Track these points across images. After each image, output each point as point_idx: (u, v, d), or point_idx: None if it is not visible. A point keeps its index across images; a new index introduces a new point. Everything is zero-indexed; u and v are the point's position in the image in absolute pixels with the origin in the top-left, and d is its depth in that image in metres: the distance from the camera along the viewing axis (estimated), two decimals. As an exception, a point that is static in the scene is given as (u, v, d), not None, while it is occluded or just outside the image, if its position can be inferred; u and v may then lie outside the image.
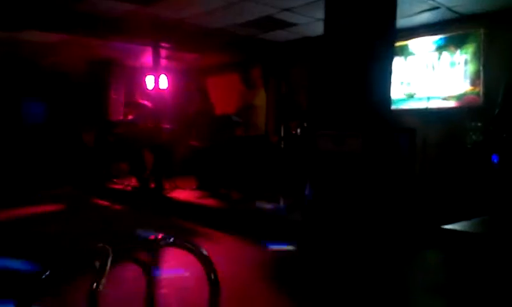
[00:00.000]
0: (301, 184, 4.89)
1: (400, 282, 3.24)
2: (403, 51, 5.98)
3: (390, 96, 4.05)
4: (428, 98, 5.57)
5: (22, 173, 7.53)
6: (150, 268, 1.54)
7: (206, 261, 1.53)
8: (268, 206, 5.14)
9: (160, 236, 1.54)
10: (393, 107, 4.74)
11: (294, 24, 6.09)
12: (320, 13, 4.35)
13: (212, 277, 1.54)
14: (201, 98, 6.57)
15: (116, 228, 4.76)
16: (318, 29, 5.22)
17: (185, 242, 1.55)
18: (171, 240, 1.52)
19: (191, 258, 1.60)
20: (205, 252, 1.52)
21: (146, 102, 6.92)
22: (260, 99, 6.05)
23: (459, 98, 5.47)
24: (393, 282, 3.20)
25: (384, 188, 3.75)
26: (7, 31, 6.01)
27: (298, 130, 5.77)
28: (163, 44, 6.67)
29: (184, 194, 6.20)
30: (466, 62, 5.43)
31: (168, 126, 6.94)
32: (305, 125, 5.64)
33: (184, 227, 4.93)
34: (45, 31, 5.89)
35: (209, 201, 5.55)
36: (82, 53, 7.60)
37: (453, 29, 5.51)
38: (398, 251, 3.71)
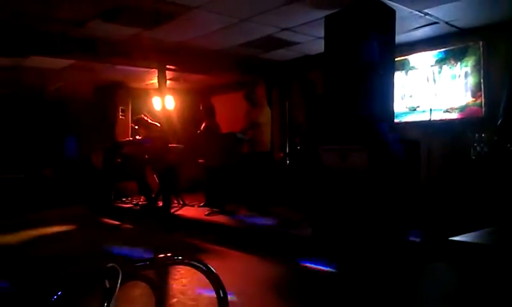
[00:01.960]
0: (307, 200, 4.87)
1: (410, 296, 3.18)
2: (404, 66, 6.00)
3: (392, 110, 4.05)
4: (431, 111, 5.56)
5: (31, 193, 7.59)
6: (159, 287, 1.53)
7: (214, 279, 1.51)
8: (276, 222, 5.11)
9: (168, 254, 1.53)
10: (396, 120, 4.73)
11: (295, 43, 6.14)
12: (320, 32, 4.39)
13: (221, 294, 1.52)
14: (208, 117, 6.61)
15: (125, 246, 4.73)
16: (318, 47, 5.26)
17: (194, 259, 1.54)
18: (180, 258, 1.51)
19: (199, 276, 1.58)
20: (213, 270, 1.51)
21: (153, 121, 6.96)
22: (265, 116, 6.07)
23: (461, 109, 5.45)
24: (403, 296, 3.15)
25: (390, 201, 3.72)
26: (11, 56, 6.11)
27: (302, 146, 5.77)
28: (168, 66, 6.74)
29: (191, 211, 6.19)
30: (466, 75, 5.43)
31: (176, 145, 6.97)
32: (297, 140, 5.63)
33: (192, 244, 4.90)
34: (49, 55, 5.95)
35: (217, 218, 5.53)
36: (89, 78, 7.69)
37: (452, 43, 5.53)
38: (406, 264, 3.65)
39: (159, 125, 6.82)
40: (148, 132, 6.75)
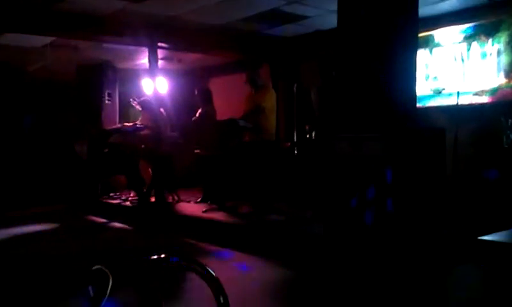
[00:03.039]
0: (318, 194, 4.87)
1: (433, 301, 3.19)
2: (428, 42, 5.95)
3: (415, 93, 4.02)
4: (458, 94, 5.52)
5: (9, 189, 7.61)
6: (152, 292, 1.53)
7: (214, 283, 1.52)
8: (282, 219, 5.12)
9: (162, 255, 1.53)
10: (418, 104, 4.70)
11: (304, 17, 6.09)
12: (333, 4, 4.35)
13: (222, 300, 1.52)
14: (204, 102, 6.60)
15: (113, 247, 4.77)
16: (331, 21, 5.22)
17: (191, 261, 1.54)
18: (175, 260, 1.51)
19: (197, 280, 1.59)
20: (212, 273, 1.51)
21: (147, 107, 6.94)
22: (270, 101, 6.05)
23: (492, 92, 5.41)
24: (425, 301, 3.16)
25: (410, 197, 3.71)
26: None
27: (313, 134, 5.75)
28: (160, 44, 6.71)
29: (188, 207, 6.21)
30: (499, 53, 5.38)
31: (169, 133, 6.97)
32: (307, 128, 5.64)
33: (188, 244, 4.93)
34: (28, 33, 5.95)
35: (216, 215, 5.55)
36: (71, 57, 7.67)
37: (483, 16, 5.47)
38: (431, 266, 3.66)
39: (163, 111, 6.82)
40: (149, 118, 6.74)
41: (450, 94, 5.75)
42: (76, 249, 4.72)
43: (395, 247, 3.62)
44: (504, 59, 5.34)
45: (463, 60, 5.66)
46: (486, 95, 5.47)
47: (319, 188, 4.79)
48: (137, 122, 7.12)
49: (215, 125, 6.32)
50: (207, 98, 6.65)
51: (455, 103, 5.55)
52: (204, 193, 6.48)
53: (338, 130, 4.07)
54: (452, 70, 5.76)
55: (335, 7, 4.17)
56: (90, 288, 1.35)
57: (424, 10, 5.09)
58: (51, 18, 5.74)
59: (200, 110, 6.60)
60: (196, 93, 6.81)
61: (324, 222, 4.29)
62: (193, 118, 6.61)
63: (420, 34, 4.69)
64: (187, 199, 6.64)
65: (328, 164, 4.17)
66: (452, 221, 4.38)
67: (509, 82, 5.30)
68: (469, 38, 5.62)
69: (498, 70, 5.38)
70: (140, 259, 1.57)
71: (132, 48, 7.17)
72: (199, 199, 6.45)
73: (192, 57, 8.15)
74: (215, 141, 6.15)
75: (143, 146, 6.76)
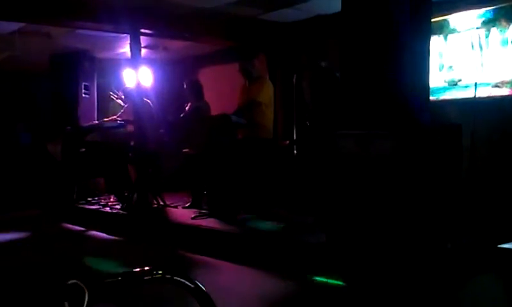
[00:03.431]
0: (321, 198, 4.87)
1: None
2: (442, 28, 5.96)
3: (427, 85, 4.03)
4: (476, 86, 5.54)
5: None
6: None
7: (204, 299, 1.52)
8: (281, 226, 5.12)
9: (146, 268, 1.53)
10: (432, 97, 4.71)
11: (304, 0, 6.09)
12: (337, -15, 4.35)
13: (213, 318, 1.52)
14: (194, 96, 6.59)
15: (91, 258, 4.75)
16: (334, 4, 5.21)
17: (178, 274, 1.54)
18: (160, 273, 1.51)
19: (186, 296, 1.59)
20: (202, 288, 1.51)
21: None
22: (266, 94, 6.05)
23: (514, 84, 5.43)
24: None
25: (424, 199, 3.72)
26: None
27: (314, 131, 5.75)
28: (143, 30, 6.69)
29: (175, 213, 6.20)
30: (521, 40, 5.40)
31: (154, 130, 6.95)
32: (308, 123, 5.65)
33: (175, 255, 4.91)
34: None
35: (207, 222, 5.54)
36: (43, 45, 7.63)
37: (504, -1, 5.48)
38: (445, 276, 3.67)
39: (150, 102, 6.81)
40: (132, 112, 6.71)
41: (466, 86, 5.76)
42: (49, 261, 4.70)
43: (407, 256, 3.64)
44: (526, 46, 5.36)
45: (481, 48, 5.67)
46: (506, 87, 5.48)
47: (322, 192, 4.80)
48: (118, 118, 7.10)
49: (204, 121, 6.31)
50: (197, 92, 6.63)
51: (472, 96, 5.57)
52: (193, 197, 6.47)
53: (342, 126, 4.07)
54: (469, 58, 5.77)
55: (338, -11, 4.18)
56: (66, 304, 1.35)
57: (438, -8, 5.10)
58: (19, 0, 5.71)
59: (189, 106, 6.59)
60: (184, 86, 6.79)
61: (326, 229, 4.30)
62: (182, 114, 6.60)
63: (434, 19, 4.70)
64: (174, 204, 6.62)
65: (331, 164, 4.18)
66: (469, 227, 4.39)
67: (532, 72, 5.32)
68: (488, 23, 5.63)
69: (520, 59, 5.40)
70: (121, 273, 1.56)
71: (111, 35, 7.14)
72: (187, 204, 6.44)
73: (179, 45, 8.13)
74: (205, 139, 6.14)
75: (132, 143, 6.73)
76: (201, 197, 6.37)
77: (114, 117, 7.11)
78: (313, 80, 5.26)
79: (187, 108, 6.59)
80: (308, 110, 5.48)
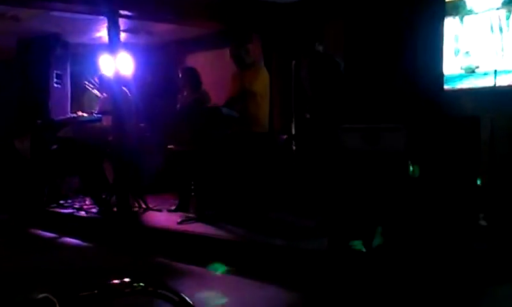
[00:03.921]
0: (323, 199, 4.88)
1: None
2: (458, 9, 5.96)
3: (441, 72, 4.05)
4: (495, 73, 5.55)
5: None
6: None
7: (191, 313, 1.52)
8: (279, 231, 5.12)
9: (126, 279, 1.53)
10: (446, 86, 4.72)
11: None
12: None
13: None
14: (191, 86, 6.58)
15: (64, 270, 4.73)
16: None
17: (161, 287, 1.53)
18: (141, 285, 1.51)
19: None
20: (189, 301, 1.51)
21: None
22: (261, 83, 6.05)
23: (538, 71, 5.44)
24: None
25: (439, 201, 3.74)
26: None
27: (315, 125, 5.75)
28: (122, 11, 6.67)
29: (159, 218, 6.19)
30: (546, 21, 5.41)
31: (135, 124, 6.94)
32: (308, 116, 5.67)
33: (159, 265, 4.90)
34: None
35: (195, 228, 5.54)
36: (10, 29, 7.59)
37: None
38: (460, 286, 3.69)
39: (128, 92, 6.80)
40: (110, 103, 6.69)
41: (485, 74, 5.77)
42: (17, 272, 4.67)
43: (419, 263, 3.65)
44: (552, 29, 5.38)
45: (501, 31, 5.68)
46: (530, 75, 5.50)
47: (324, 192, 4.80)
48: (94, 111, 7.08)
49: (191, 114, 6.30)
50: (194, 81, 6.66)
51: (491, 84, 5.58)
52: (180, 200, 6.46)
53: (346, 119, 4.08)
54: (487, 43, 5.79)
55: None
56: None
57: (453, -32, 5.10)
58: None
59: (185, 94, 6.59)
60: (180, 75, 6.80)
61: (329, 235, 4.31)
62: (178, 106, 6.60)
63: (448, -1, 4.71)
64: (158, 207, 6.62)
65: (334, 162, 4.18)
66: (488, 231, 4.41)
67: (558, 58, 5.34)
68: (509, 4, 5.64)
69: (545, 43, 5.42)
70: (97, 285, 1.56)
71: (87, 17, 7.11)
72: (173, 207, 6.44)
73: (163, 29, 8.10)
74: (192, 134, 6.14)
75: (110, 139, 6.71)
76: (188, 200, 6.36)
77: (93, 111, 7.08)
78: (311, 68, 5.27)
79: (185, 100, 6.58)
80: (308, 101, 5.49)
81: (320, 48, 5.26)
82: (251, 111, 5.94)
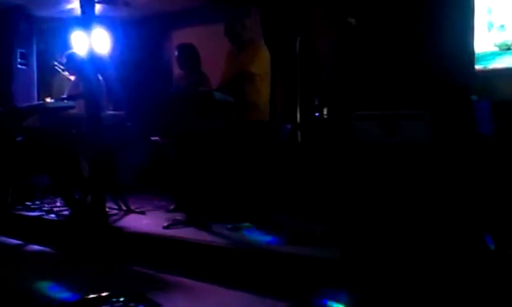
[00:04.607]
0: (334, 200, 4.87)
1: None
2: (491, -25, 5.96)
3: (472, 50, 4.03)
4: (535, 51, 5.55)
5: None
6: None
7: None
8: (281, 237, 5.13)
9: (103, 294, 1.53)
10: (478, 66, 4.71)
11: None
12: None
13: None
14: (191, 67, 6.60)
15: (30, 284, 4.74)
16: None
17: (143, 301, 1.54)
18: (121, 300, 1.51)
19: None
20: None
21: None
22: (261, 63, 6.04)
23: None
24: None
25: (472, 203, 3.73)
26: None
27: (325, 112, 5.75)
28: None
29: (142, 221, 6.19)
30: None
31: (112, 112, 6.94)
32: (317, 103, 5.67)
33: (142, 276, 4.91)
34: None
35: (184, 233, 5.55)
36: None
37: None
38: (492, 300, 3.70)
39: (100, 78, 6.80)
40: (82, 87, 6.69)
41: (523, 51, 5.78)
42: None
43: (449, 276, 3.65)
44: None
45: (542, 1, 5.68)
46: None
47: (335, 192, 4.79)
48: (65, 96, 7.06)
49: (177, 99, 6.28)
50: (194, 60, 6.69)
51: (531, 63, 5.58)
52: (176, 200, 6.50)
53: (361, 105, 4.07)
54: (526, 15, 5.78)
55: None
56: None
57: None
58: None
59: (181, 79, 6.61)
60: (176, 54, 6.81)
61: (341, 241, 4.30)
62: (172, 90, 6.61)
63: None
64: (141, 209, 6.62)
65: (347, 155, 4.17)
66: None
67: None
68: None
69: None
70: (72, 301, 1.55)
71: (55, -14, 7.10)
72: (172, 207, 6.50)
73: (144, 0, 8.09)
74: (180, 123, 6.13)
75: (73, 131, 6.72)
76: (176, 200, 6.38)
77: (63, 96, 7.06)
78: (339, 44, 5.23)
79: (178, 81, 6.61)
80: (322, 85, 5.47)
81: (353, 20, 5.22)
82: (250, 96, 5.93)
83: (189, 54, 6.76)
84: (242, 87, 5.91)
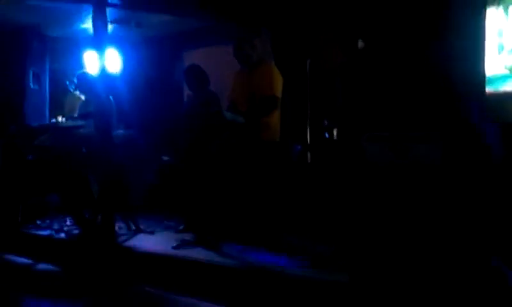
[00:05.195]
0: (343, 221, 4.85)
1: None
2: (501, -2, 5.96)
3: (483, 72, 4.03)
4: (546, 73, 5.54)
5: None
6: None
7: None
8: (290, 259, 5.12)
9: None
10: (489, 89, 4.70)
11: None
12: None
13: None
14: (199, 88, 6.63)
15: (42, 302, 4.74)
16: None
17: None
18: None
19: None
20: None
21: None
22: (278, 85, 6.06)
23: None
24: None
25: (485, 229, 3.71)
26: None
27: (334, 133, 5.74)
28: None
29: (150, 241, 6.18)
30: None
31: (123, 131, 6.96)
32: (327, 124, 5.67)
33: (151, 297, 4.90)
34: None
35: (194, 253, 5.53)
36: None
37: None
38: None
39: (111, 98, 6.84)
40: (93, 106, 6.73)
41: (535, 74, 5.76)
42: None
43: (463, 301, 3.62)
44: None
45: (553, 23, 5.67)
46: None
47: (344, 213, 4.78)
48: (76, 115, 7.11)
49: (188, 119, 6.31)
50: (200, 80, 6.78)
51: (542, 86, 5.56)
52: (186, 221, 6.48)
53: (371, 126, 4.06)
54: (537, 38, 5.78)
55: None
56: None
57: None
58: None
59: (190, 99, 6.64)
60: (186, 76, 6.87)
61: (350, 263, 4.28)
62: (183, 110, 6.65)
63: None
64: (150, 228, 6.62)
65: (356, 176, 4.17)
66: None
67: None
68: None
69: None
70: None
71: (69, 6, 7.15)
72: (181, 227, 6.48)
73: (157, 20, 8.15)
74: (190, 143, 6.14)
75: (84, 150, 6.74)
76: (187, 220, 6.37)
77: (75, 116, 7.12)
78: (344, 67, 5.25)
79: (187, 101, 6.65)
80: (331, 107, 5.48)
81: (360, 43, 5.25)
82: (264, 117, 5.95)
83: (196, 74, 6.84)
84: (252, 108, 5.92)
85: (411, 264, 3.73)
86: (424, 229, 3.71)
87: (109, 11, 6.80)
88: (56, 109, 8.41)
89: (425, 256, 3.70)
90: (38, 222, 7.36)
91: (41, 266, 6.25)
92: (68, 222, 7.09)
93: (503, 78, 5.95)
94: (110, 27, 7.16)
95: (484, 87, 4.09)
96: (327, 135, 5.99)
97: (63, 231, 6.91)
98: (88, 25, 7.21)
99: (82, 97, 7.56)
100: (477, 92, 3.95)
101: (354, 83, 5.04)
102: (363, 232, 4.05)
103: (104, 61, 6.78)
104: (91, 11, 6.73)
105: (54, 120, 7.69)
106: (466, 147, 3.71)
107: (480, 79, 4.00)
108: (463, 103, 3.79)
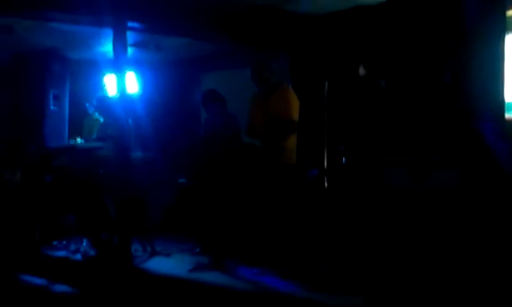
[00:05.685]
0: (360, 246, 4.82)
1: None
2: (521, 24, 5.94)
3: (502, 99, 4.00)
4: None
5: None
6: None
7: None
8: (305, 284, 5.09)
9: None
10: (508, 115, 4.66)
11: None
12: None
13: None
14: (217, 111, 6.67)
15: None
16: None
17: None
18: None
19: None
20: None
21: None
22: (296, 109, 6.07)
23: None
24: None
25: (506, 256, 3.67)
26: None
27: (352, 157, 5.72)
28: (130, 23, 6.76)
29: (166, 264, 6.17)
30: None
31: (140, 153, 6.98)
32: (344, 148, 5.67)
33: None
34: None
35: (209, 276, 5.52)
36: (3, 41, 7.73)
37: None
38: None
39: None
40: (112, 129, 6.77)
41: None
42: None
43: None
44: None
45: None
46: None
47: (361, 238, 4.75)
48: (94, 137, 7.15)
49: (206, 142, 6.33)
50: (220, 104, 6.84)
51: None
52: (202, 242, 6.48)
53: (388, 151, 4.05)
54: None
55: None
56: None
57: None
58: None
59: (209, 123, 6.67)
60: (203, 101, 6.91)
61: (366, 289, 4.25)
62: (205, 135, 6.68)
63: (510, 13, 4.68)
64: (166, 251, 6.62)
65: (374, 201, 4.15)
66: None
67: None
68: None
69: None
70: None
71: (89, 29, 7.22)
72: (197, 249, 6.46)
73: (176, 44, 8.21)
74: (207, 165, 6.15)
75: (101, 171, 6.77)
76: (204, 243, 6.36)
77: (94, 138, 7.17)
78: (353, 96, 5.27)
79: (205, 125, 6.67)
80: (345, 131, 5.48)
81: (363, 71, 5.27)
82: (276, 141, 5.94)
83: (213, 98, 6.85)
84: (269, 132, 5.92)
85: (429, 289, 3.70)
86: (441, 253, 3.68)
87: (128, 35, 6.87)
88: (75, 130, 8.45)
89: (443, 280, 3.67)
90: (55, 243, 7.37)
91: (58, 287, 6.23)
92: (84, 244, 7.09)
93: (523, 104, 5.92)
94: (129, 50, 7.22)
95: (504, 113, 4.06)
96: (344, 160, 5.97)
97: (79, 252, 6.92)
98: (108, 48, 7.27)
99: (101, 119, 7.61)
100: (497, 117, 3.92)
101: (372, 107, 5.05)
102: (381, 255, 4.03)
103: (123, 84, 6.85)
104: (111, 35, 6.81)
105: (72, 141, 7.72)
106: (485, 173, 3.68)
107: (500, 105, 3.98)
108: (482, 128, 3.77)
